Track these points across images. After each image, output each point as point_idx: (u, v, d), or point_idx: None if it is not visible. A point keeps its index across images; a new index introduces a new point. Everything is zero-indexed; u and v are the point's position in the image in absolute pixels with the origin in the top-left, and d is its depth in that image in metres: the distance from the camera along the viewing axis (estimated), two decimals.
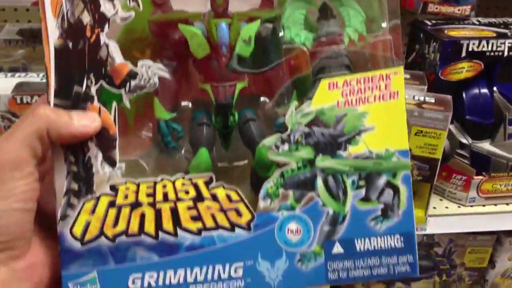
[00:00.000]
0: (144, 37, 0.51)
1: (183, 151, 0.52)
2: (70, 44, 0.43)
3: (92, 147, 0.44)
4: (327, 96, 0.46)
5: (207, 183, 0.45)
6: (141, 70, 0.45)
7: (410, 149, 0.76)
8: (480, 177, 0.91)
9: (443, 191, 0.95)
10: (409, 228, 0.46)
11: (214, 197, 0.45)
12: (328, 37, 0.50)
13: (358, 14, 0.51)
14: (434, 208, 0.92)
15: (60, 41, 0.43)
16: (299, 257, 0.45)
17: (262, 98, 0.54)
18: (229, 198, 0.45)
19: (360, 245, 0.46)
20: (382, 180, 0.46)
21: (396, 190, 0.46)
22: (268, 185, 0.46)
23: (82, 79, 0.44)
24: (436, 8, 0.96)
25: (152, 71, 0.45)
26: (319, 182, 0.46)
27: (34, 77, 0.82)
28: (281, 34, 0.49)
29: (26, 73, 0.83)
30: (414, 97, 0.79)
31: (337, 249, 0.46)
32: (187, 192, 0.45)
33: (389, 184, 0.46)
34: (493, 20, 1.01)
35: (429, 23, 0.97)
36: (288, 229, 0.45)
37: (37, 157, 0.41)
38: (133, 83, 0.45)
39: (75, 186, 0.43)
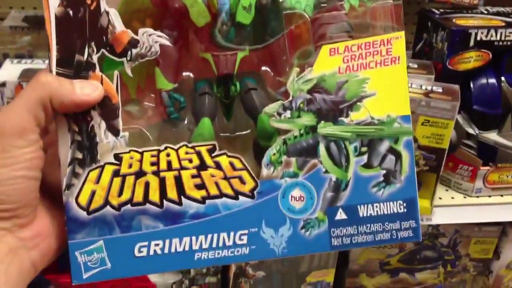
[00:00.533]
0: (144, 8, 0.50)
1: (185, 121, 0.52)
2: (71, 12, 0.43)
3: (95, 116, 0.44)
4: (328, 62, 0.46)
5: (210, 151, 0.46)
6: (141, 38, 0.45)
7: (416, 139, 0.77)
8: (487, 167, 0.91)
9: (449, 182, 0.95)
10: (411, 194, 0.47)
11: (218, 165, 0.45)
12: (329, 4, 0.49)
13: None
14: (440, 198, 0.92)
15: (60, 8, 0.43)
16: (303, 223, 0.46)
17: (263, 67, 0.53)
18: (232, 166, 0.46)
19: (363, 211, 0.46)
20: (384, 146, 0.46)
21: (398, 156, 0.46)
22: (271, 152, 0.46)
23: (84, 47, 0.43)
24: None
25: (153, 38, 0.45)
26: (322, 148, 0.46)
27: (40, 64, 0.82)
28: (281, 0, 0.49)
29: (32, 59, 0.84)
30: (421, 86, 0.79)
31: (340, 215, 0.46)
32: (190, 161, 0.45)
33: (391, 150, 0.46)
34: (501, 9, 1.00)
35: (437, 12, 0.96)
36: (291, 196, 0.46)
37: (40, 125, 0.41)
38: (134, 51, 0.44)
39: (79, 155, 0.44)
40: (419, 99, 0.76)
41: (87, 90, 0.42)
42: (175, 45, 0.50)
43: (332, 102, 0.46)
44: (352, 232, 0.46)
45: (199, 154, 0.45)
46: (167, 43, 0.46)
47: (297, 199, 0.46)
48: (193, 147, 0.45)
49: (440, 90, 0.79)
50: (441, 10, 0.97)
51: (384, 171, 0.46)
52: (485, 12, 0.98)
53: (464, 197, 0.93)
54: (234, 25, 0.49)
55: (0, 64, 0.82)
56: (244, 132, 0.53)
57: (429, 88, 0.79)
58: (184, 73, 0.52)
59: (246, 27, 0.49)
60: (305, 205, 0.46)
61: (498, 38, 0.87)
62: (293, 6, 0.50)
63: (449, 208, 0.90)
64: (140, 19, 0.50)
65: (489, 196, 0.94)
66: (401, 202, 0.47)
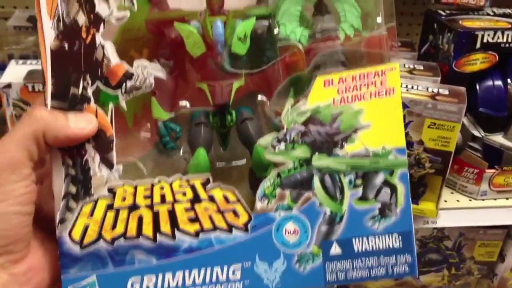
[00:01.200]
0: (141, 36, 0.51)
1: (181, 151, 0.52)
2: (66, 46, 0.43)
3: (90, 149, 0.44)
4: (323, 93, 0.46)
5: (204, 184, 0.45)
6: (136, 71, 0.45)
7: (423, 142, 0.77)
8: (492, 170, 0.90)
9: (455, 184, 0.94)
10: (407, 227, 0.46)
11: (212, 198, 0.45)
12: (324, 34, 0.49)
13: (353, 9, 0.50)
14: (445, 201, 0.91)
15: (56, 42, 0.43)
16: (297, 258, 0.45)
17: (259, 96, 0.53)
18: (226, 199, 0.45)
19: (358, 245, 0.46)
20: (379, 179, 0.46)
21: (393, 189, 0.46)
22: (265, 185, 0.46)
23: (79, 80, 0.43)
24: None
25: (147, 71, 0.45)
26: (316, 181, 0.46)
27: None
28: (276, 31, 0.49)
29: (37, 60, 0.83)
30: (427, 88, 0.78)
31: (335, 249, 0.46)
32: (184, 194, 0.45)
33: (387, 183, 0.46)
34: (508, 10, 0.99)
35: (443, 13, 0.95)
36: (285, 230, 0.45)
37: (33, 160, 0.41)
38: (129, 84, 0.45)
39: (73, 189, 0.44)
40: (425, 102, 0.75)
41: (81, 124, 0.42)
42: (171, 74, 0.51)
43: (327, 134, 0.46)
44: (347, 267, 0.45)
45: (193, 187, 0.45)
46: (162, 75, 0.47)
47: (291, 232, 0.46)
48: (187, 180, 0.45)
49: (447, 93, 0.78)
50: (447, 12, 0.96)
51: (380, 204, 0.46)
52: (492, 13, 0.96)
53: (470, 200, 0.92)
54: (230, 55, 0.49)
55: (5, 65, 0.82)
56: (240, 163, 0.52)
57: (435, 90, 0.78)
58: (180, 102, 0.53)
59: (241, 57, 0.49)
60: (299, 239, 0.45)
61: (505, 40, 0.87)
62: (288, 36, 0.50)
63: (455, 211, 0.90)
64: (137, 48, 0.51)
65: (495, 199, 0.92)
66: (397, 236, 0.46)
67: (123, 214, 0.44)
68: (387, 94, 0.46)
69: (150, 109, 0.50)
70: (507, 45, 0.87)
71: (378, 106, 0.46)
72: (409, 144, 0.78)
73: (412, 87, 0.78)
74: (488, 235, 1.09)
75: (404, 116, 0.76)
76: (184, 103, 0.52)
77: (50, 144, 0.41)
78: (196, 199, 0.45)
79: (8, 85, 0.75)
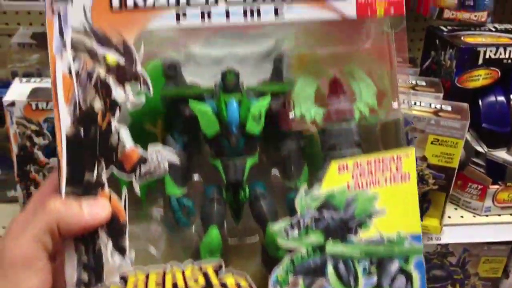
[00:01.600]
0: (156, 109, 0.51)
1: (193, 227, 0.52)
2: (82, 132, 0.43)
3: (102, 235, 0.44)
4: (337, 178, 0.46)
5: (217, 271, 0.45)
6: (151, 155, 0.45)
7: (426, 158, 0.77)
8: (496, 186, 0.90)
9: (458, 200, 0.94)
10: None
11: (224, 285, 0.45)
12: (339, 114, 0.49)
13: (369, 87, 0.50)
14: (449, 217, 0.91)
15: (72, 129, 0.43)
16: None
17: (273, 171, 0.53)
18: (238, 286, 0.45)
19: None
20: (394, 266, 0.45)
21: (408, 277, 0.45)
22: (278, 271, 0.45)
23: (93, 165, 0.44)
24: (452, 14, 0.95)
25: (162, 156, 0.45)
26: (330, 268, 0.45)
27: (49, 83, 0.76)
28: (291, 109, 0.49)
29: (41, 78, 0.82)
30: (430, 105, 0.79)
31: None
32: (196, 280, 0.45)
33: (402, 271, 0.45)
34: (509, 26, 1.00)
35: (444, 29, 0.96)
36: None
37: (49, 251, 0.41)
38: (143, 169, 0.45)
39: (85, 276, 0.43)
40: (428, 118, 0.75)
41: (95, 210, 0.42)
42: (185, 148, 0.51)
43: (341, 219, 0.45)
44: None
45: (205, 274, 0.45)
46: (176, 161, 0.47)
47: None
48: (199, 267, 0.45)
49: (449, 109, 0.78)
50: (449, 28, 0.96)
51: None
52: (493, 29, 0.97)
53: (474, 216, 0.92)
54: (244, 135, 0.49)
55: (9, 83, 0.80)
56: (253, 239, 0.52)
57: (438, 106, 0.78)
58: (194, 177, 0.52)
59: (256, 136, 0.49)
60: None
61: (507, 56, 0.87)
62: (303, 116, 0.50)
63: (459, 227, 0.90)
64: (152, 121, 0.51)
65: (499, 215, 0.92)
66: None
67: None
68: (403, 180, 0.46)
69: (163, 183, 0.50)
70: (509, 61, 0.87)
71: (393, 192, 0.46)
72: None
73: (415, 103, 0.79)
74: (493, 251, 1.09)
75: (407, 132, 0.76)
76: (198, 178, 0.52)
77: (65, 235, 0.41)
78: (208, 286, 0.45)
79: (12, 103, 0.74)
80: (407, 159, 0.46)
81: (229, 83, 0.49)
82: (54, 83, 0.43)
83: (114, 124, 0.44)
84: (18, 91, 0.77)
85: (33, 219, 0.41)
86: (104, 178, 0.44)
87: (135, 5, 0.44)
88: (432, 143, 0.77)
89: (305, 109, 0.50)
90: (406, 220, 0.46)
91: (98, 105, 0.44)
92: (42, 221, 0.40)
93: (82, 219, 0.42)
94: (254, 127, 0.49)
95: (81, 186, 0.43)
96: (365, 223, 0.45)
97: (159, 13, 0.45)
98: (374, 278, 0.45)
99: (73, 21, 0.43)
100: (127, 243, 0.44)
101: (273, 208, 0.50)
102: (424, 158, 0.78)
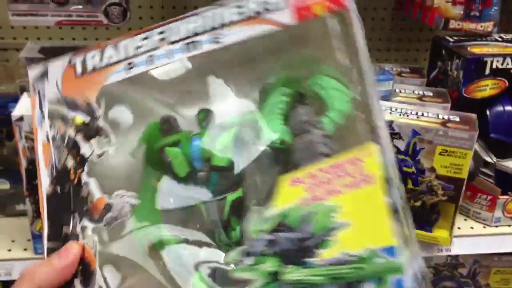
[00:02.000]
0: (158, 163, 0.53)
1: None
2: (58, 189, 0.48)
3: (77, 285, 0.45)
4: (289, 194, 0.40)
5: None
6: (114, 200, 0.46)
7: (434, 169, 0.77)
8: (506, 196, 0.89)
9: (468, 211, 0.93)
10: None
11: None
12: (302, 128, 0.44)
13: (342, 94, 0.45)
14: (459, 228, 0.90)
15: (50, 188, 0.48)
16: None
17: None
18: None
19: None
20: None
21: None
22: None
23: (69, 219, 0.47)
24: (458, 24, 0.95)
25: (123, 199, 0.46)
26: None
27: None
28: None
29: None
30: (438, 115, 0.79)
31: None
32: None
33: None
34: None
35: (450, 39, 0.96)
36: None
37: None
38: (109, 215, 0.46)
39: None
40: (436, 129, 0.75)
41: (61, 261, 0.45)
42: None
43: (297, 239, 0.39)
44: None
45: None
46: (135, 202, 0.47)
47: None
48: None
49: (458, 119, 0.77)
50: (455, 38, 0.96)
51: None
52: (500, 39, 0.96)
53: (484, 227, 0.91)
54: (214, 170, 0.47)
55: (18, 97, 0.80)
56: None
57: (445, 117, 0.78)
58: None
59: (229, 168, 0.47)
60: None
61: None
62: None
63: (469, 238, 0.89)
64: (157, 176, 0.53)
65: (509, 226, 0.91)
66: None
67: None
68: (366, 184, 0.38)
69: None
70: None
71: (356, 199, 0.38)
72: (421, 171, 0.78)
73: (423, 114, 0.78)
74: (503, 262, 1.09)
75: (415, 143, 0.76)
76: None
77: None
78: None
79: (21, 118, 0.74)
80: (369, 158, 0.38)
81: (200, 122, 0.49)
82: (37, 151, 0.50)
83: (84, 178, 0.48)
84: (27, 105, 0.76)
85: None
86: (79, 229, 0.47)
87: (93, 68, 0.50)
88: (440, 154, 0.76)
89: (272, 128, 0.46)
90: (375, 231, 0.37)
91: (70, 163, 0.48)
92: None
93: (55, 267, 0.44)
94: (221, 159, 0.47)
95: (60, 240, 0.47)
96: (326, 241, 0.38)
97: (112, 69, 0.49)
98: None
99: (49, 94, 0.50)
100: None
101: None
102: (432, 169, 0.78)
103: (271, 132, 0.46)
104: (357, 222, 0.37)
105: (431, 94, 0.90)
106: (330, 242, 0.38)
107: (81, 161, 0.48)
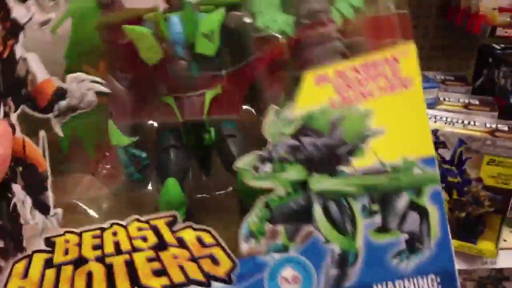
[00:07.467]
0: (95, 48, 0.41)
1: (150, 184, 0.42)
2: None
3: (18, 192, 0.34)
4: (316, 94, 0.35)
5: (170, 225, 0.35)
6: (70, 86, 0.35)
7: (481, 179, 0.75)
8: None
9: None
10: (447, 264, 0.34)
11: (181, 243, 0.34)
12: (313, 19, 0.38)
13: None
14: (505, 240, 0.86)
15: None
16: None
17: (244, 107, 0.43)
18: (200, 242, 0.34)
19: None
20: (402, 201, 0.34)
21: (423, 213, 0.34)
22: (250, 220, 0.34)
23: None
24: (505, 32, 0.91)
25: (85, 86, 0.35)
26: (317, 210, 0.34)
27: None
28: (249, 21, 0.38)
29: None
30: (485, 124, 0.76)
31: None
32: (144, 239, 0.34)
33: (413, 206, 0.34)
34: None
35: (497, 47, 0.95)
36: (282, 278, 0.34)
37: None
38: (62, 103, 0.35)
39: (0, 243, 0.34)
40: (484, 138, 0.73)
41: None
42: (131, 89, 0.41)
43: (326, 146, 0.34)
44: None
45: (155, 229, 0.35)
46: (104, 89, 0.36)
47: (290, 281, 0.34)
48: (147, 221, 0.35)
49: (506, 129, 0.75)
50: (502, 46, 0.95)
51: (406, 235, 0.34)
52: None
53: None
54: (195, 58, 0.39)
55: None
56: (224, 192, 0.42)
57: (493, 126, 0.76)
58: (144, 123, 0.42)
59: (211, 58, 0.39)
60: None
61: None
62: (267, 26, 0.39)
63: None
64: (91, 62, 0.41)
65: None
66: (433, 277, 0.34)
67: (66, 271, 0.34)
68: (403, 87, 0.35)
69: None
70: None
71: (392, 104, 0.35)
72: (467, 181, 0.76)
73: (469, 123, 0.77)
74: None
75: (461, 152, 0.75)
76: (150, 122, 0.42)
77: None
78: (161, 244, 0.34)
79: None
80: (406, 58, 0.35)
81: (173, 1, 0.39)
82: None
83: (20, 52, 0.34)
84: None
85: None
86: (14, 119, 0.34)
87: None
88: (488, 163, 0.75)
89: (270, 18, 0.39)
90: (413, 140, 0.34)
91: None
92: None
93: None
94: (206, 47, 0.38)
95: None
96: (359, 149, 0.34)
97: None
98: (378, 218, 0.34)
99: None
100: (51, 199, 0.34)
101: (243, 147, 0.40)
102: (479, 179, 0.76)
103: (268, 20, 0.39)
104: (393, 129, 0.34)
105: (477, 102, 0.87)
106: (364, 150, 0.34)
107: (13, 28, 0.34)
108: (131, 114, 0.41)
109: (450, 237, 0.34)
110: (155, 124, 0.42)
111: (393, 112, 0.35)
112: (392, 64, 0.35)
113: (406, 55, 0.35)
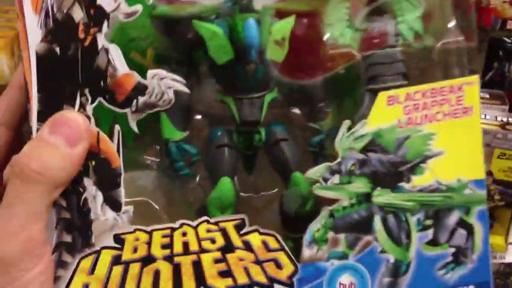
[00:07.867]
0: (145, 35, 0.40)
1: (197, 179, 0.42)
2: (58, 49, 0.32)
3: (89, 186, 0.33)
4: (386, 113, 0.37)
5: (238, 228, 0.36)
6: (151, 83, 0.34)
7: (492, 173, 0.74)
8: None
9: None
10: (485, 277, 0.38)
11: (248, 246, 0.35)
12: (381, 38, 0.40)
13: (413, 7, 0.41)
14: None
15: (43, 45, 0.32)
16: None
17: (294, 110, 0.44)
18: (266, 246, 0.36)
19: None
20: (453, 218, 0.37)
21: (470, 230, 0.37)
22: (314, 227, 0.36)
23: (74, 95, 0.33)
24: None
25: (166, 83, 0.35)
26: (377, 222, 0.37)
27: None
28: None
29: None
30: (496, 117, 0.76)
31: None
32: (213, 241, 0.35)
33: (462, 223, 0.37)
34: None
35: (508, 40, 0.93)
36: (339, 284, 0.36)
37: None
38: (141, 99, 0.34)
39: (67, 238, 0.33)
40: (494, 131, 0.73)
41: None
42: (185, 84, 0.40)
43: (391, 163, 0.37)
44: None
45: (224, 232, 0.35)
46: (185, 89, 0.36)
47: (347, 286, 0.36)
48: (216, 223, 0.35)
49: None
50: None
51: (453, 249, 0.37)
52: None
53: None
54: (263, 62, 0.39)
55: None
56: (270, 192, 0.43)
57: (504, 119, 0.76)
58: (195, 118, 0.42)
59: (277, 64, 0.40)
60: None
61: None
62: (336, 39, 0.40)
63: None
64: (140, 50, 0.40)
65: None
66: (473, 287, 0.38)
67: (134, 269, 0.34)
68: (464, 114, 0.37)
69: (157, 126, 0.40)
70: None
71: (453, 128, 0.37)
72: None
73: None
74: None
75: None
76: (200, 118, 0.42)
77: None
78: (228, 247, 0.35)
79: None
80: (469, 87, 0.37)
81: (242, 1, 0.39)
82: None
83: (102, 41, 0.33)
84: None
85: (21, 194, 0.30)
86: (90, 111, 0.33)
87: None
88: (498, 157, 0.74)
89: (339, 32, 0.40)
90: (467, 163, 0.37)
91: (78, 14, 0.33)
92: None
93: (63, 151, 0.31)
94: (277, 53, 0.39)
95: None
96: (420, 168, 0.37)
97: None
98: (429, 233, 0.37)
99: None
100: (123, 196, 0.34)
101: (296, 153, 0.41)
102: (489, 173, 0.75)
103: (337, 33, 0.40)
104: (451, 152, 0.37)
105: (487, 96, 0.86)
106: (424, 169, 0.37)
107: (98, 16, 0.33)
108: (184, 108, 0.41)
109: (490, 251, 0.38)
110: (206, 121, 0.42)
111: (453, 136, 0.37)
112: (456, 92, 0.37)
113: (470, 85, 0.37)
